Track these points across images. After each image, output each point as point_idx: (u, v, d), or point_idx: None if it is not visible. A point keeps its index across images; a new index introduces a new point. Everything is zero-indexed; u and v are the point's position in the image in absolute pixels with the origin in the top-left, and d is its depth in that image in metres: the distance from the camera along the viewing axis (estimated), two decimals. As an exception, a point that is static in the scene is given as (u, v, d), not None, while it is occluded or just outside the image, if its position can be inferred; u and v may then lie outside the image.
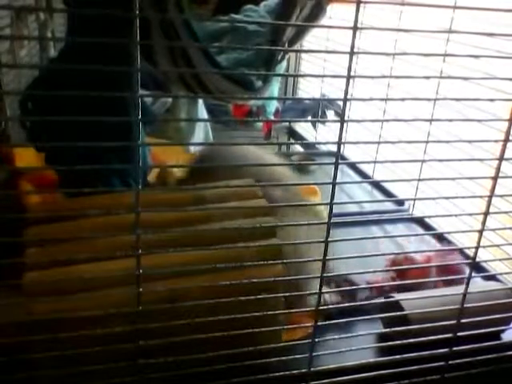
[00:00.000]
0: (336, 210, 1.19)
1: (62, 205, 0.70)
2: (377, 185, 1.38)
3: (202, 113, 1.17)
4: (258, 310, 0.59)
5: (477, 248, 0.67)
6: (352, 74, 0.51)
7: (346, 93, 0.52)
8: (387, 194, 1.33)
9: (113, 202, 0.63)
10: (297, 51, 0.83)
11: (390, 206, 1.28)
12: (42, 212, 0.64)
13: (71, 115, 0.74)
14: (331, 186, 0.57)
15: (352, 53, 0.50)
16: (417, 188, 1.18)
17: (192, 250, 0.56)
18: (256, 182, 0.71)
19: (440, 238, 1.03)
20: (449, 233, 1.03)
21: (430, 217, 1.17)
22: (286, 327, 0.65)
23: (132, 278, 0.53)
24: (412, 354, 0.68)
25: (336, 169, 0.56)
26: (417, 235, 1.10)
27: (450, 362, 0.72)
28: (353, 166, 1.50)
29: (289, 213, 0.76)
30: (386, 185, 1.34)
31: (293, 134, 1.87)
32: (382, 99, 0.54)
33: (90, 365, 0.55)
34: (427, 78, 0.88)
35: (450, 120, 0.66)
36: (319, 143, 1.56)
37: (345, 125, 0.54)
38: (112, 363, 0.56)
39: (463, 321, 0.70)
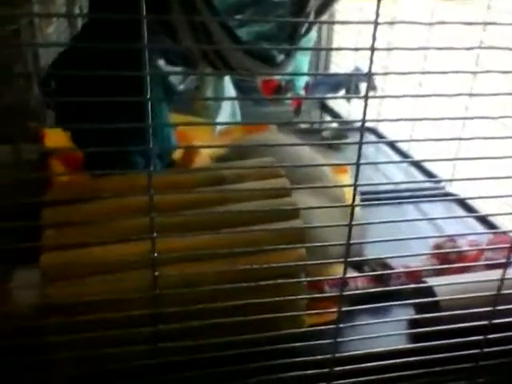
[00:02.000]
0: (367, 188, 1.16)
1: (81, 186, 0.69)
2: (415, 163, 1.32)
3: (229, 89, 1.14)
4: (278, 295, 0.57)
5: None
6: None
7: (370, 67, 0.48)
8: (426, 173, 1.27)
9: (132, 184, 0.62)
10: (314, 22, 0.79)
11: (427, 184, 1.23)
12: (59, 194, 0.63)
13: (94, 93, 0.73)
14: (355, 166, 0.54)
15: (376, 23, 0.46)
16: (454, 166, 1.12)
17: (208, 234, 0.54)
18: (278, 162, 0.68)
19: (482, 220, 0.98)
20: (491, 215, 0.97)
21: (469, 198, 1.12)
22: (309, 312, 0.63)
23: (149, 261, 0.52)
24: (444, 340, 0.65)
25: (360, 148, 0.52)
26: (455, 217, 1.05)
27: (485, 350, 0.68)
28: (390, 144, 1.45)
29: (312, 192, 0.73)
30: (425, 164, 1.28)
31: (325, 109, 1.81)
32: (412, 73, 0.50)
33: (108, 348, 0.54)
34: (468, 49, 0.82)
35: (493, 95, 0.60)
36: (343, 121, 1.49)
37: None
38: (130, 347, 0.55)
39: (499, 307, 0.66)
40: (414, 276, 0.79)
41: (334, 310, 0.59)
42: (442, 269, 0.79)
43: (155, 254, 0.51)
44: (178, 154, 1.03)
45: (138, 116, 0.79)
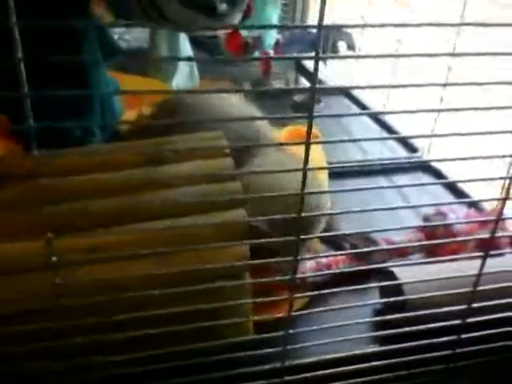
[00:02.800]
0: (340, 158, 1.06)
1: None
2: (389, 130, 1.22)
3: (185, 46, 1.02)
4: (215, 299, 0.47)
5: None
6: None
7: (322, 19, 0.37)
8: (403, 143, 1.18)
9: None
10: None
11: (402, 153, 1.14)
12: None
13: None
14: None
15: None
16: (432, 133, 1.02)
17: (125, 226, 0.44)
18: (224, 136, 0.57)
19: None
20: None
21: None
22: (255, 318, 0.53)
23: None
24: (412, 342, 0.57)
25: (313, 95, 0.41)
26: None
27: (458, 351, 0.60)
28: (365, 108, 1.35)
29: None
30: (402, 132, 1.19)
31: (301, 70, 1.68)
32: (388, 25, 0.39)
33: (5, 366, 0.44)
34: None
35: (476, 54, 0.49)
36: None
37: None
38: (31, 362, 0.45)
39: (475, 305, 0.57)
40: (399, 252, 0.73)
41: (281, 314, 0.50)
42: (429, 246, 0.72)
43: (54, 258, 0.41)
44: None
45: (70, 80, 0.67)
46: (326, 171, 0.95)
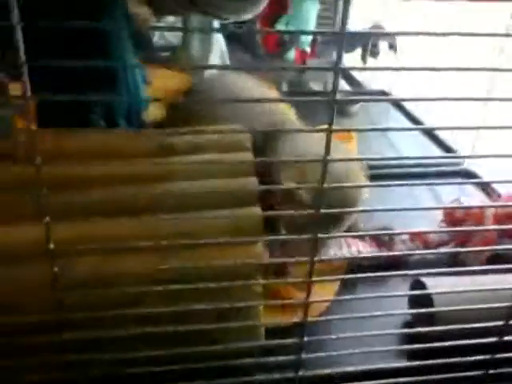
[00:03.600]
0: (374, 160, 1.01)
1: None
2: (431, 135, 1.16)
3: (218, 39, 0.99)
4: (224, 301, 0.44)
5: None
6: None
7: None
8: (444, 148, 1.11)
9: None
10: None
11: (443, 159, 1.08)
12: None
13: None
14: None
15: None
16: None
17: (129, 219, 0.41)
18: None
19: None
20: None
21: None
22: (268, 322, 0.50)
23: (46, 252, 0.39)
24: (441, 359, 0.52)
25: (334, 92, 0.38)
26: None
27: (491, 372, 0.55)
28: (406, 113, 1.29)
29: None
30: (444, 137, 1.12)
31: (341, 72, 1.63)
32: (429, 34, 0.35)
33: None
34: None
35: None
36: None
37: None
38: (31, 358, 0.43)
39: (513, 322, 0.52)
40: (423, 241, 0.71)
41: (296, 319, 0.46)
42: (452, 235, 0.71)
43: (51, 246, 0.39)
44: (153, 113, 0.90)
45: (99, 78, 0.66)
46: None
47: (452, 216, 0.73)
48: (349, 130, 0.75)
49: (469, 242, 0.69)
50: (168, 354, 0.45)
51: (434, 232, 0.74)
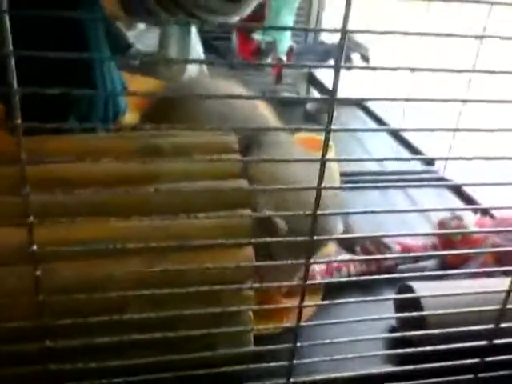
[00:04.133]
0: (353, 167, 1.02)
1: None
2: (404, 142, 1.17)
3: (196, 46, 0.98)
4: (212, 306, 0.42)
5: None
6: None
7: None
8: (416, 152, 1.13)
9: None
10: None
11: (417, 166, 1.09)
12: None
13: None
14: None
15: None
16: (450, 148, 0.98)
17: (117, 220, 0.39)
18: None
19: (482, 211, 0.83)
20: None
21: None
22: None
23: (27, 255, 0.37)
24: (430, 364, 0.51)
25: (332, 110, 0.37)
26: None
27: (480, 375, 0.55)
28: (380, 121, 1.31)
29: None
30: (416, 142, 1.14)
31: (312, 81, 1.64)
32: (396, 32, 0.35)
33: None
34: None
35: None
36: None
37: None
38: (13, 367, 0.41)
39: (503, 325, 0.52)
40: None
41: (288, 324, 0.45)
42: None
43: (34, 247, 0.36)
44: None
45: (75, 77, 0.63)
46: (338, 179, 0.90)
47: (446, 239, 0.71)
48: (347, 131, 0.75)
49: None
50: (155, 362, 0.43)
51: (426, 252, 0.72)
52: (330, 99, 0.38)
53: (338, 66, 0.36)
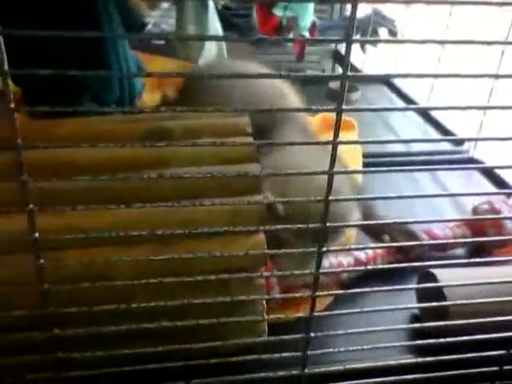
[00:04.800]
0: (377, 148, 0.99)
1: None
2: (433, 120, 1.13)
3: (214, 23, 0.96)
4: (223, 295, 0.41)
5: None
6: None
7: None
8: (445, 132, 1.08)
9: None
10: None
11: (446, 146, 1.05)
12: None
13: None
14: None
15: None
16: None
17: (122, 208, 0.37)
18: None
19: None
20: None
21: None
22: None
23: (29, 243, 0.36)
24: (452, 355, 0.49)
25: (343, 89, 0.35)
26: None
27: (505, 368, 0.52)
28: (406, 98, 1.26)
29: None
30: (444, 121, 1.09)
31: (339, 59, 1.60)
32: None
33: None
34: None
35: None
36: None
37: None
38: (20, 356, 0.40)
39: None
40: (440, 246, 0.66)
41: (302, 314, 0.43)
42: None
43: (36, 235, 0.35)
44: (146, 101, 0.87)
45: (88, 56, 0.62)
46: (361, 161, 0.87)
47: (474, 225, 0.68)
48: (359, 110, 0.71)
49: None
50: (167, 351, 0.42)
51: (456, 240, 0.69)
52: (343, 76, 0.35)
53: (349, 40, 0.34)
